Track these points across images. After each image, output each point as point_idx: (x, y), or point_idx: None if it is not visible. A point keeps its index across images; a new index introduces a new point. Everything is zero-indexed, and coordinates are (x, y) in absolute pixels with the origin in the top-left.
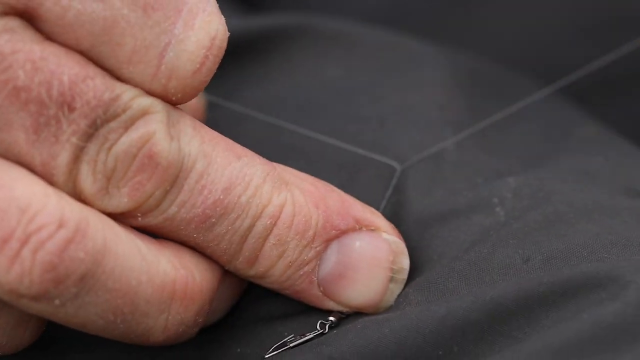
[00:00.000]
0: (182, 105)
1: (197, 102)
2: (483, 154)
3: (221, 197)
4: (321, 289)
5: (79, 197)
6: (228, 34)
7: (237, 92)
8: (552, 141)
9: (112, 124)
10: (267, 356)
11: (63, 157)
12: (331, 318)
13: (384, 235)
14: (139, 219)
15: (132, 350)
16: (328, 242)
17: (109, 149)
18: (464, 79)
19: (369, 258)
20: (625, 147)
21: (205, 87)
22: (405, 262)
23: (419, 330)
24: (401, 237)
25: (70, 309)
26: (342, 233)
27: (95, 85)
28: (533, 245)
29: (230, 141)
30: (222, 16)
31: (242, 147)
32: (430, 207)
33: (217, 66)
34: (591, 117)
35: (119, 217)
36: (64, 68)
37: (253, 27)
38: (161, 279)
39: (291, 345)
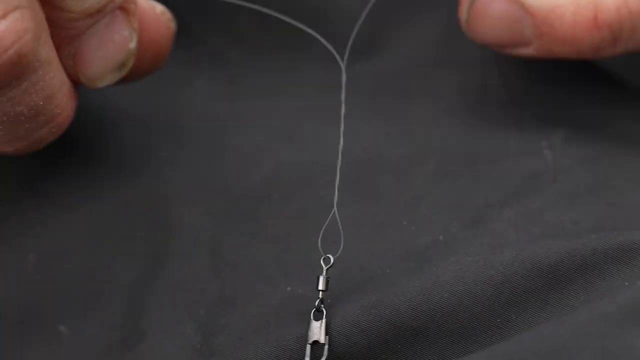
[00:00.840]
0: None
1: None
2: (531, 97)
3: None
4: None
5: None
6: None
7: None
8: (604, 105)
9: None
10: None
11: None
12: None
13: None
14: None
15: None
16: None
17: None
18: None
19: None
20: None
21: None
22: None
23: (476, 296)
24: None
25: None
26: None
27: None
28: (583, 210)
29: None
30: None
31: None
32: (478, 144)
33: None
34: None
35: None
36: None
37: None
38: None
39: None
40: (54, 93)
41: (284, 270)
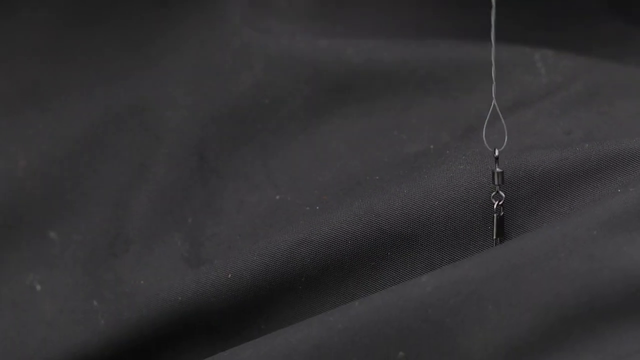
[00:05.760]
0: None
1: None
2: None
3: None
4: None
5: None
6: None
7: None
8: (594, 18)
9: None
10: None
11: None
12: None
13: None
14: None
15: None
16: None
17: None
18: None
19: None
20: None
21: None
22: None
23: (468, 204)
24: None
25: None
26: None
27: None
28: (574, 120)
29: None
30: None
31: None
32: (469, 55)
33: None
34: None
35: None
36: None
37: None
38: None
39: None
40: None
41: (272, 178)
